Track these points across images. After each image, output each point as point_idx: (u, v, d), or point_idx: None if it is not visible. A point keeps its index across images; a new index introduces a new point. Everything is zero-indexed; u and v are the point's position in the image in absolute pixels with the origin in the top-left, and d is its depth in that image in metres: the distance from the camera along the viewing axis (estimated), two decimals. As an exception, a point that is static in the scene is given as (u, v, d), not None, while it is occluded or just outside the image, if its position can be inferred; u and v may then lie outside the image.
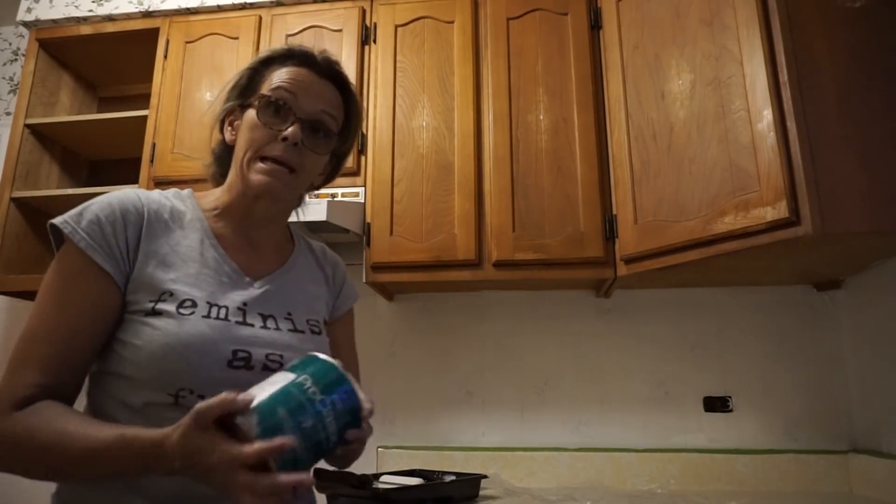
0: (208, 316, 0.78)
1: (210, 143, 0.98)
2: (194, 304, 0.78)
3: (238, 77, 0.92)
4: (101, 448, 0.66)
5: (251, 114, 0.86)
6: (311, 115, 0.87)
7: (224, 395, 0.59)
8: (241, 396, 0.60)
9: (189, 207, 0.89)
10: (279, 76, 0.87)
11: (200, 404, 0.60)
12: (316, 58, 0.90)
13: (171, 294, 0.78)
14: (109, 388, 0.78)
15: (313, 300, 0.95)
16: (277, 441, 0.57)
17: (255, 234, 0.91)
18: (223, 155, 0.95)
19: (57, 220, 0.79)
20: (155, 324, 0.76)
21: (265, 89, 0.87)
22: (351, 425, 0.66)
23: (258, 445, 0.57)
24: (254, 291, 0.86)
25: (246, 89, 0.90)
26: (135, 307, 0.78)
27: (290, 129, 0.84)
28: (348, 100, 0.94)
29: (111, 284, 0.78)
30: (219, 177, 0.96)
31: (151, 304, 0.77)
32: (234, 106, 0.90)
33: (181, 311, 0.77)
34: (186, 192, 0.92)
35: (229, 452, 0.58)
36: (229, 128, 0.91)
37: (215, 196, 0.92)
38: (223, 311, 0.80)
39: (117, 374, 0.77)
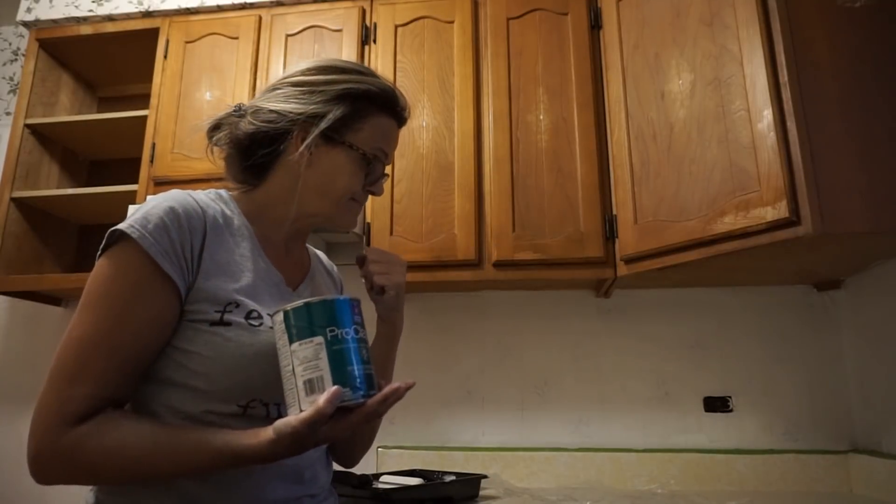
0: (272, 327, 0.76)
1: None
2: (260, 316, 0.78)
3: (329, 103, 0.86)
4: (203, 461, 0.69)
5: (349, 159, 0.87)
6: (388, 163, 0.95)
7: (323, 403, 0.64)
8: (330, 393, 0.64)
9: (235, 213, 0.87)
10: (379, 131, 0.89)
11: (312, 416, 0.64)
12: (405, 118, 0.94)
13: (238, 305, 0.77)
14: (161, 396, 0.76)
15: None
16: (380, 394, 0.68)
17: (290, 243, 0.93)
18: (263, 156, 0.88)
19: (122, 226, 0.74)
20: (226, 334, 0.75)
21: (365, 139, 0.87)
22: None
23: (374, 402, 0.67)
24: (285, 294, 0.87)
25: (337, 119, 0.86)
26: (197, 316, 0.75)
27: (380, 185, 0.92)
28: None
29: (176, 294, 0.75)
30: (244, 174, 0.90)
31: (218, 315, 0.75)
32: (315, 131, 0.85)
33: (251, 321, 0.77)
34: (226, 194, 0.89)
35: (350, 422, 0.67)
36: (303, 146, 0.85)
37: (256, 202, 0.89)
38: None
39: (175, 384, 0.75)
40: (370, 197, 1.77)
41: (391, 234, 1.74)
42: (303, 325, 0.68)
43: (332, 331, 0.68)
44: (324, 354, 0.67)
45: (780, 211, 1.29)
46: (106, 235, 0.76)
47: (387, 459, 1.87)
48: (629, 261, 1.62)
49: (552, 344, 1.95)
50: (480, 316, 2.01)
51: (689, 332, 1.89)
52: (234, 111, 0.89)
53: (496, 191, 1.74)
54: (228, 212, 0.85)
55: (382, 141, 0.89)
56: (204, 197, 0.84)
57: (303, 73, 0.88)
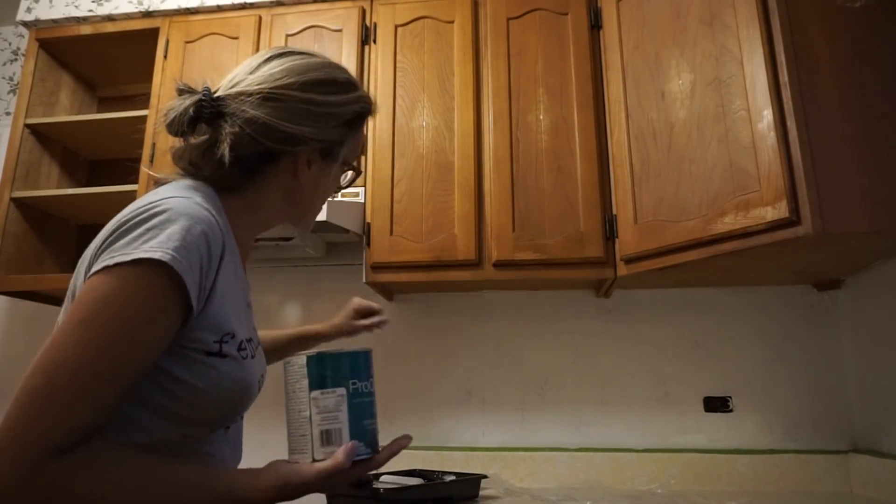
0: (253, 356, 0.79)
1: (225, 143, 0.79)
2: (244, 346, 0.77)
3: (341, 128, 0.85)
4: (203, 501, 0.66)
5: (338, 171, 0.90)
6: None
7: (342, 457, 0.68)
8: (348, 448, 0.69)
9: (224, 228, 0.75)
10: (361, 141, 0.93)
11: (330, 468, 0.68)
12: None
13: (233, 336, 0.74)
14: (131, 414, 0.68)
15: None
16: (388, 450, 0.75)
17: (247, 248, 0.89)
18: (253, 166, 0.81)
19: (156, 255, 0.63)
20: (221, 368, 0.71)
21: (352, 151, 0.90)
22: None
23: (383, 458, 0.74)
24: (250, 313, 0.86)
25: (335, 137, 0.85)
26: (195, 345, 0.70)
27: (347, 182, 0.95)
28: None
29: (184, 321, 0.68)
30: (230, 181, 0.80)
31: (217, 345, 0.71)
32: (322, 156, 0.85)
33: (241, 353, 0.75)
34: (213, 194, 0.78)
35: (354, 474, 0.71)
36: (306, 164, 0.83)
37: (237, 206, 0.81)
38: (254, 346, 0.81)
39: (151, 406, 0.68)
40: (370, 197, 1.78)
41: (391, 234, 1.74)
42: (327, 374, 0.70)
43: (354, 384, 0.70)
44: (345, 407, 0.69)
45: (780, 211, 1.29)
46: (132, 259, 0.64)
47: (387, 459, 1.87)
48: (629, 261, 1.62)
49: (552, 344, 1.95)
50: (480, 316, 2.01)
51: (689, 332, 1.89)
52: (209, 106, 0.76)
53: (496, 191, 1.73)
54: (223, 222, 0.75)
55: (362, 148, 0.96)
56: (215, 212, 0.73)
57: (308, 86, 0.80)
